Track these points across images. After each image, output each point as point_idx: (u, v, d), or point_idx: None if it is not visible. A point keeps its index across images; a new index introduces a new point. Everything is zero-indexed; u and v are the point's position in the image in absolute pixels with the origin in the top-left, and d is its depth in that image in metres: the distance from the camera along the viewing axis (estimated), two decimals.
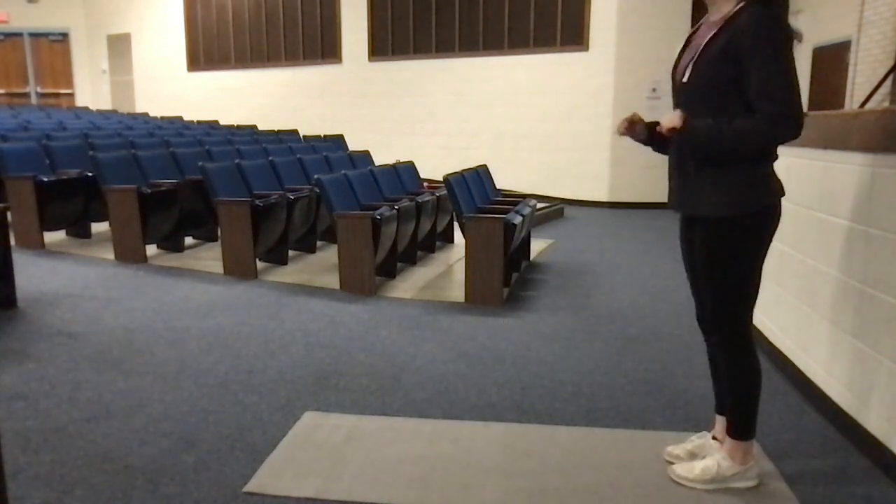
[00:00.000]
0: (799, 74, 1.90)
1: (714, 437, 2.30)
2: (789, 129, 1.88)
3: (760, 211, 2.01)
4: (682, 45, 2.11)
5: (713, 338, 2.23)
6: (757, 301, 2.14)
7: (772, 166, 2.05)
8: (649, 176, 9.25)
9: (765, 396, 2.92)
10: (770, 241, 2.09)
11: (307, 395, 2.89)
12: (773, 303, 3.42)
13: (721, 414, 2.28)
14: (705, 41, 1.96)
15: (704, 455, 2.27)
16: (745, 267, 2.05)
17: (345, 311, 4.16)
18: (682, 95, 2.05)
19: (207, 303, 4.26)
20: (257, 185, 5.50)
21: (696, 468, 2.19)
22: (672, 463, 2.31)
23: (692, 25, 2.05)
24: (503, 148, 10.15)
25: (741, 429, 2.14)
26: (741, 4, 1.92)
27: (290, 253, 5.48)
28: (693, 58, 1.99)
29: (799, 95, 1.87)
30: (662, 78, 8.94)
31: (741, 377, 2.12)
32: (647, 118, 2.18)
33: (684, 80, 2.02)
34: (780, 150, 2.09)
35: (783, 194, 2.08)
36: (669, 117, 1.99)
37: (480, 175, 5.79)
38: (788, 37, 1.90)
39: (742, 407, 2.13)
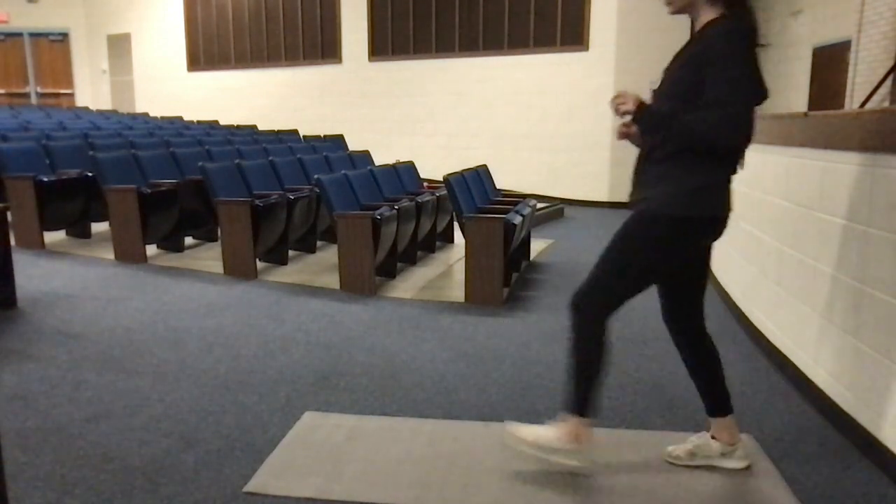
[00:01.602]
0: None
1: (713, 437, 2.30)
2: (731, 134, 1.89)
3: (694, 219, 2.01)
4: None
5: (680, 337, 2.25)
6: (688, 306, 2.20)
7: (724, 179, 2.04)
8: None
9: (765, 396, 2.94)
10: (687, 254, 2.10)
11: (307, 395, 2.89)
12: (773, 303, 3.42)
13: (712, 416, 2.29)
14: (680, 50, 2.02)
15: (705, 456, 2.28)
16: (643, 266, 2.07)
17: (345, 311, 4.16)
18: (657, 99, 2.07)
19: (207, 303, 4.26)
20: (257, 185, 5.50)
21: (531, 431, 2.21)
22: (672, 464, 2.31)
23: (692, 26, 2.08)
24: (503, 148, 10.15)
25: (574, 403, 2.15)
26: (715, 17, 1.95)
27: (290, 253, 5.48)
28: (667, 67, 2.05)
29: (748, 107, 1.89)
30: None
31: (583, 360, 2.12)
32: None
33: (655, 86, 2.06)
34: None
35: (727, 211, 2.07)
36: (621, 99, 1.99)
37: (480, 175, 5.79)
38: (752, 51, 1.91)
39: (580, 385, 2.14)
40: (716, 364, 2.26)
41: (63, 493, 2.11)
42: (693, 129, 1.92)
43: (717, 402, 2.28)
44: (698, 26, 2.02)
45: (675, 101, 1.98)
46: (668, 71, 2.05)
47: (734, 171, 2.06)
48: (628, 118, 2.01)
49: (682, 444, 2.34)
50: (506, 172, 9.07)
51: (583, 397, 2.14)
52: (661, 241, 2.04)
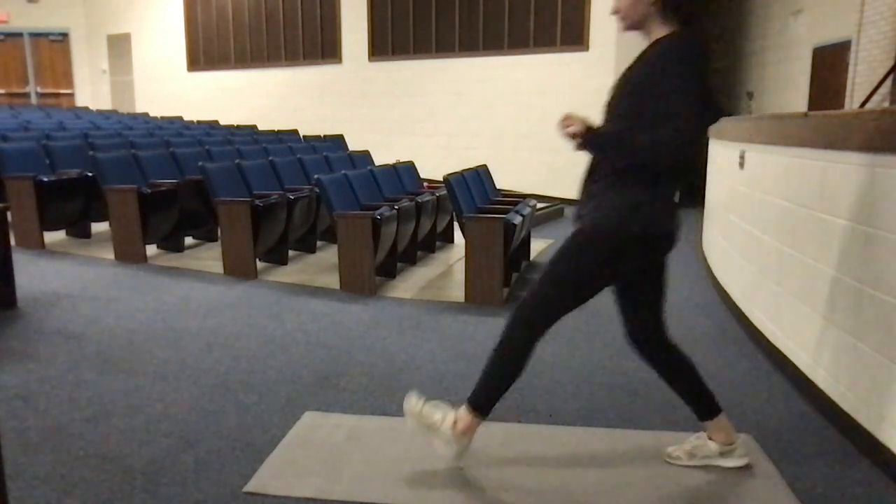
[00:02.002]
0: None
1: (710, 438, 2.30)
2: (676, 151, 1.88)
3: (631, 236, 2.01)
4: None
5: (647, 353, 2.25)
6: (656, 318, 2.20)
7: (665, 197, 2.03)
8: None
9: (765, 396, 2.94)
10: (627, 270, 2.10)
11: (307, 395, 2.89)
12: (773, 303, 3.42)
13: (703, 420, 2.29)
14: (630, 65, 2.02)
15: (704, 456, 2.28)
16: (583, 282, 2.09)
17: (345, 311, 4.16)
18: (604, 114, 2.07)
19: (207, 303, 4.26)
20: (257, 185, 5.50)
21: (420, 404, 2.23)
22: (672, 464, 2.31)
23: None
24: (503, 148, 10.15)
25: (476, 397, 2.18)
26: (664, 34, 1.95)
27: (290, 253, 5.48)
28: (616, 83, 2.04)
29: (696, 125, 1.90)
30: None
31: (505, 359, 2.15)
32: None
33: (607, 101, 2.06)
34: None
35: (666, 229, 2.06)
36: (569, 121, 2.00)
37: (480, 175, 5.79)
38: (702, 69, 1.92)
39: (491, 384, 2.17)
40: (690, 371, 2.26)
41: (63, 493, 2.11)
42: (639, 147, 1.91)
43: (702, 406, 2.27)
44: (650, 42, 2.01)
45: (624, 118, 1.98)
46: (618, 87, 2.04)
47: (676, 190, 2.06)
48: (577, 141, 2.01)
49: (681, 445, 2.34)
50: (506, 172, 9.06)
51: (490, 399, 2.18)
52: (598, 257, 2.05)
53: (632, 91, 1.96)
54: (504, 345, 2.16)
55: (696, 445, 2.31)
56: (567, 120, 2.00)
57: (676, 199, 2.08)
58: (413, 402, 2.26)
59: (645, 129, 1.89)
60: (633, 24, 2.01)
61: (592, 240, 2.04)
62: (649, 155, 1.91)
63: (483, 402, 2.19)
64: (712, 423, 2.27)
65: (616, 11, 2.01)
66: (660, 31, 1.97)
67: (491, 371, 2.18)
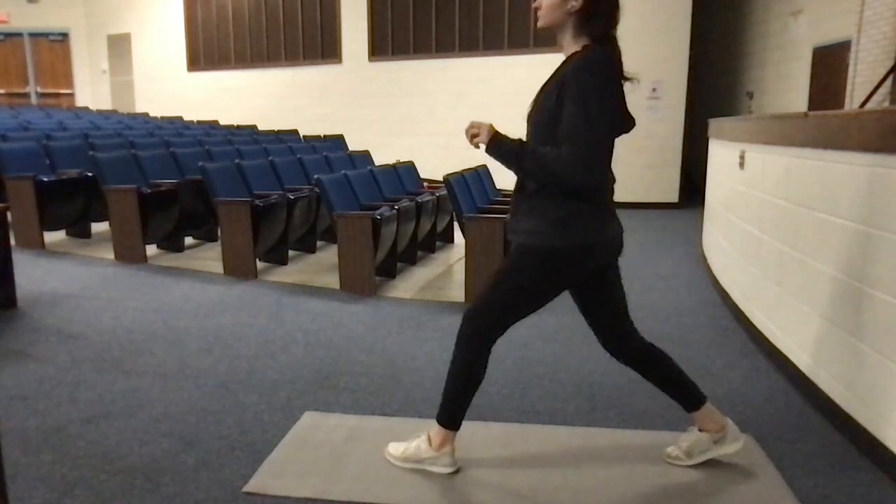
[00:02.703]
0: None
1: (700, 430, 2.30)
2: (581, 172, 1.88)
3: (565, 249, 2.01)
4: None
5: (623, 357, 2.26)
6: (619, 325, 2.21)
7: (592, 207, 2.03)
8: (649, 176, 9.26)
9: (765, 396, 2.94)
10: (568, 280, 2.11)
11: (307, 395, 2.89)
12: (773, 303, 3.42)
13: (690, 412, 2.29)
14: (548, 79, 2.02)
15: (701, 451, 2.29)
16: (528, 295, 2.10)
17: (345, 311, 4.16)
18: (527, 127, 2.08)
19: (207, 303, 4.26)
20: (257, 185, 5.50)
21: (401, 447, 2.30)
22: (672, 464, 2.32)
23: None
24: None
25: (444, 415, 2.21)
26: (579, 49, 1.96)
27: (290, 253, 5.48)
28: (536, 95, 2.05)
29: (601, 144, 1.91)
30: (662, 78, 8.95)
31: (462, 370, 2.16)
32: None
33: (528, 112, 2.07)
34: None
35: (601, 236, 2.06)
36: (476, 129, 2.02)
37: (480, 175, 5.79)
38: (612, 85, 1.92)
39: (454, 396, 2.19)
40: (666, 365, 2.27)
41: (63, 493, 2.11)
42: (546, 165, 1.92)
43: (686, 397, 2.28)
44: (565, 56, 2.03)
45: (538, 130, 1.99)
46: (535, 101, 2.05)
47: (603, 198, 2.06)
48: (482, 147, 2.03)
49: (677, 445, 2.34)
50: (506, 172, 9.05)
51: (454, 410, 2.21)
52: (538, 272, 2.05)
53: (548, 102, 1.96)
54: (458, 358, 2.17)
55: (691, 443, 2.31)
56: (474, 127, 2.02)
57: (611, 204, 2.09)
58: (391, 449, 2.33)
59: (553, 144, 1.91)
60: (548, 24, 2.02)
61: (530, 256, 2.04)
62: (557, 173, 1.91)
63: (451, 417, 2.22)
64: (700, 413, 2.28)
65: (537, 7, 2.03)
66: (573, 43, 1.99)
67: (451, 385, 2.19)
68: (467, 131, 2.04)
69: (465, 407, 2.21)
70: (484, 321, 2.13)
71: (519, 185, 2.10)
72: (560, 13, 1.98)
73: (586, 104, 1.86)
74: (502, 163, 2.06)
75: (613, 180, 2.12)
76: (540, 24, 2.05)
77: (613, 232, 2.10)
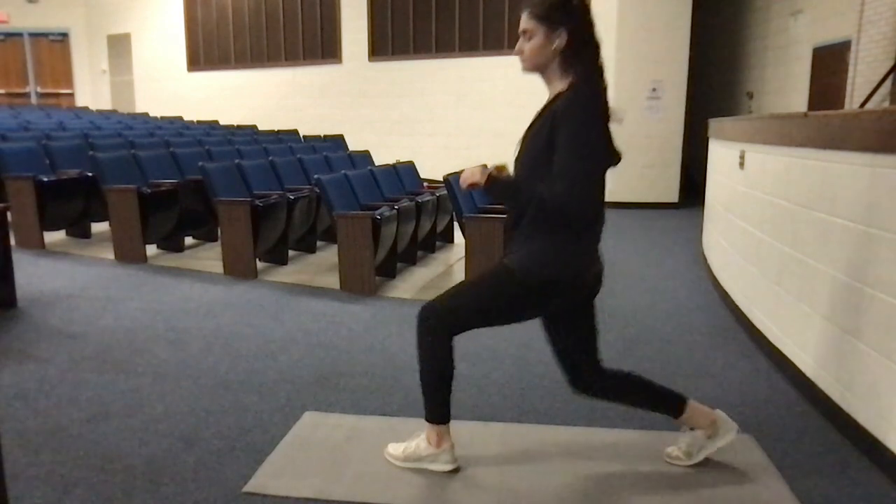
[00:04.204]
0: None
1: (692, 428, 2.30)
2: (576, 207, 1.90)
3: (545, 281, 2.02)
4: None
5: (591, 392, 2.27)
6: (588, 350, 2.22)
7: (582, 244, 2.05)
8: (649, 176, 9.26)
9: (765, 396, 2.94)
10: (544, 310, 2.14)
11: (307, 395, 2.89)
12: (773, 303, 3.42)
13: (677, 417, 2.29)
14: (534, 119, 2.04)
15: (699, 449, 2.30)
16: (493, 310, 2.11)
17: (345, 311, 4.16)
18: (515, 166, 2.09)
19: (207, 303, 4.26)
20: (257, 185, 5.50)
21: (401, 447, 2.30)
22: (672, 464, 2.32)
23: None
24: (503, 148, 10.11)
25: (430, 413, 2.22)
26: (566, 86, 1.97)
27: (290, 253, 5.48)
28: (523, 136, 2.07)
29: (594, 179, 1.93)
30: (662, 78, 8.95)
31: (429, 368, 2.17)
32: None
33: (515, 154, 2.09)
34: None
35: (583, 276, 2.08)
36: (469, 173, 2.03)
37: None
38: (600, 120, 1.94)
39: (431, 393, 2.20)
40: (640, 382, 2.29)
41: (63, 493, 2.11)
42: (542, 200, 1.93)
43: (667, 404, 2.29)
44: (551, 93, 2.04)
45: (530, 169, 2.00)
46: (525, 139, 2.06)
47: (595, 237, 2.09)
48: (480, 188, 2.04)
49: (676, 445, 2.35)
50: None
51: (436, 406, 2.21)
52: (517, 296, 2.07)
53: (538, 140, 1.97)
54: (421, 357, 2.18)
55: (689, 443, 2.32)
56: (467, 173, 2.04)
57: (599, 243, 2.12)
58: (391, 449, 2.33)
59: (546, 181, 1.92)
60: (533, 67, 2.04)
61: (512, 277, 2.05)
62: (553, 208, 1.92)
63: (437, 413, 2.22)
64: (686, 415, 2.27)
65: (519, 52, 2.05)
66: (559, 81, 2.00)
67: (425, 383, 2.20)
68: (464, 183, 2.06)
69: (447, 399, 2.22)
70: (442, 322, 2.14)
71: (511, 222, 2.12)
72: (546, 54, 1.99)
73: (579, 143, 1.88)
74: (500, 200, 2.11)
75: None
76: (524, 69, 2.07)
77: (598, 268, 2.13)
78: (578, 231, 2.00)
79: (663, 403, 2.29)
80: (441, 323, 2.13)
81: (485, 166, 2.03)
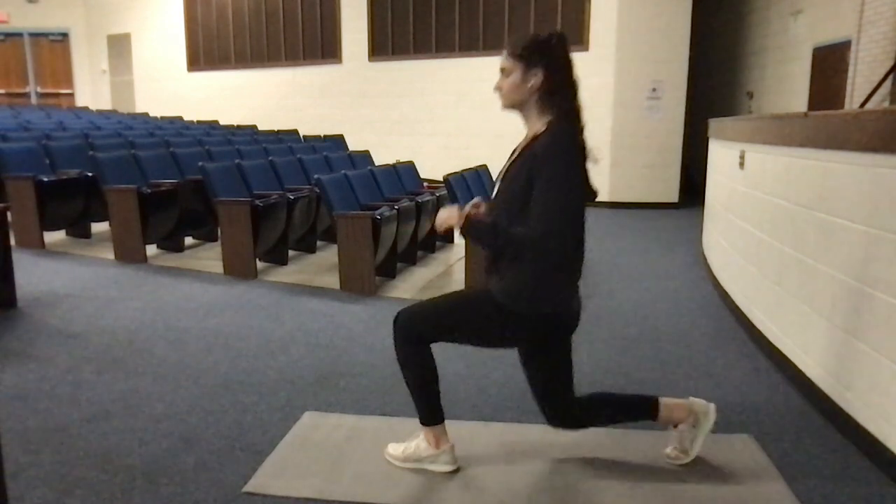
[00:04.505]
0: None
1: (675, 425, 2.31)
2: (554, 247, 1.92)
3: (523, 315, 2.05)
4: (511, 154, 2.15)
5: (569, 424, 2.32)
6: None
7: (560, 281, 2.06)
8: (649, 176, 9.26)
9: (765, 396, 2.94)
10: (521, 342, 2.19)
11: (307, 395, 2.89)
12: (773, 303, 3.42)
13: (656, 419, 2.29)
14: (511, 160, 2.07)
15: (691, 441, 2.31)
16: (468, 330, 2.15)
17: (345, 311, 4.16)
18: (494, 207, 2.11)
19: (207, 303, 4.26)
20: (257, 185, 5.50)
21: (401, 447, 2.31)
22: (674, 464, 2.32)
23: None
24: (503, 148, 10.10)
25: (422, 416, 2.24)
26: (543, 126, 2.00)
27: (290, 253, 5.48)
28: (502, 174, 2.09)
29: (567, 225, 1.93)
30: (662, 78, 8.95)
31: (410, 373, 2.20)
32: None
33: (493, 194, 2.11)
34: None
35: (564, 309, 2.10)
36: (445, 215, 2.05)
37: (480, 175, 5.80)
38: (577, 159, 1.96)
39: (419, 396, 2.23)
40: (605, 399, 2.34)
41: (63, 493, 2.11)
42: (520, 241, 1.95)
43: (642, 409, 2.31)
44: (529, 132, 2.07)
45: (508, 210, 2.02)
46: (504, 179, 2.08)
47: (575, 274, 2.10)
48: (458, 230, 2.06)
49: (672, 445, 2.35)
50: None
51: (426, 408, 2.23)
52: (496, 325, 2.09)
53: (517, 182, 1.99)
54: (404, 364, 2.21)
55: (679, 439, 2.33)
56: (442, 217, 2.06)
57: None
58: (391, 449, 2.34)
59: (524, 222, 1.94)
60: (510, 105, 2.07)
61: (491, 306, 2.07)
62: (531, 248, 1.95)
63: (430, 415, 2.24)
64: (664, 414, 2.28)
65: (498, 89, 2.07)
66: (537, 120, 2.03)
67: (411, 387, 2.23)
68: (440, 227, 2.08)
69: (436, 400, 2.23)
70: (412, 327, 2.16)
71: (488, 263, 2.13)
72: (522, 92, 2.02)
73: (557, 185, 1.90)
74: (477, 242, 2.14)
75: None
76: (503, 105, 2.09)
77: (577, 306, 2.15)
78: (560, 268, 2.03)
79: (637, 410, 2.32)
80: (414, 329, 2.16)
81: (461, 208, 2.06)
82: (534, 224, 1.91)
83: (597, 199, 2.09)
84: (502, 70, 2.05)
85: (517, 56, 2.00)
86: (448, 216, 2.04)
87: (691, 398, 2.33)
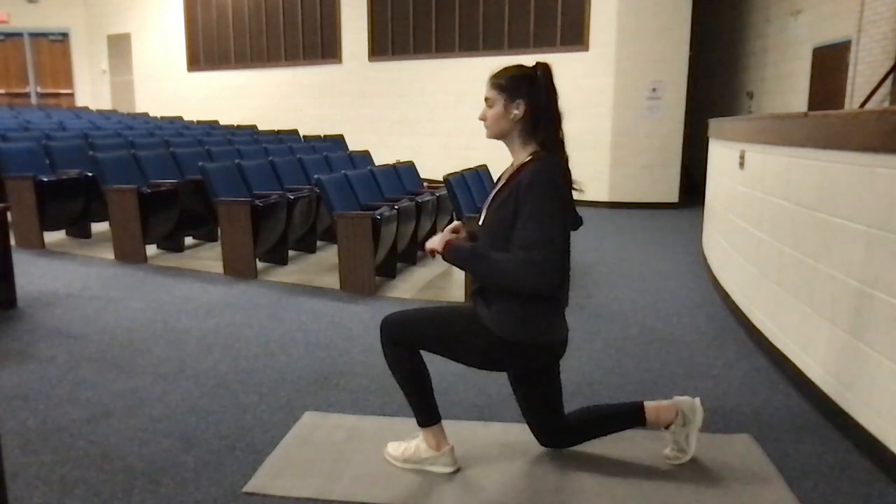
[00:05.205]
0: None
1: (667, 427, 2.32)
2: (537, 278, 1.93)
3: (509, 342, 2.05)
4: (497, 181, 2.18)
5: (564, 444, 2.37)
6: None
7: (546, 310, 2.07)
8: (649, 176, 9.26)
9: (765, 396, 2.94)
10: (508, 367, 2.21)
11: (307, 395, 2.89)
12: (773, 303, 3.42)
13: (644, 425, 2.31)
14: (497, 189, 2.09)
15: (685, 439, 2.32)
16: (454, 348, 2.16)
17: (345, 311, 4.16)
18: (481, 234, 2.13)
19: (207, 303, 4.26)
20: (257, 185, 5.50)
21: (401, 447, 2.31)
22: (674, 464, 2.32)
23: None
24: (503, 148, 10.12)
25: (418, 417, 2.25)
26: (527, 156, 2.03)
27: (290, 253, 5.48)
28: (487, 203, 2.12)
29: (553, 251, 1.93)
30: (662, 78, 8.95)
31: (401, 375, 2.22)
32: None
33: (480, 223, 2.13)
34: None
35: (550, 337, 2.11)
36: (435, 240, 2.10)
37: (480, 175, 5.79)
38: (562, 189, 1.98)
39: (413, 398, 2.24)
40: (591, 413, 2.35)
41: (63, 493, 2.11)
42: (502, 272, 1.96)
43: (629, 417, 2.32)
44: (514, 162, 2.09)
45: (492, 239, 2.03)
46: (488, 209, 2.09)
47: (561, 301, 2.11)
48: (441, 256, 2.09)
49: (668, 445, 2.36)
50: None
51: (421, 410, 2.24)
52: (484, 350, 2.10)
53: (502, 211, 2.00)
54: (393, 368, 2.23)
55: (674, 440, 2.33)
56: (428, 245, 2.11)
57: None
58: (391, 450, 2.34)
59: (509, 250, 1.95)
60: (494, 135, 2.10)
61: (478, 328, 2.08)
62: (513, 279, 1.95)
63: (426, 416, 2.25)
64: (652, 418, 2.29)
65: (482, 119, 2.09)
66: (521, 150, 2.06)
67: (404, 390, 2.24)
68: (427, 250, 2.13)
69: (430, 401, 2.24)
70: (397, 333, 2.19)
71: (476, 287, 2.14)
72: (505, 123, 2.05)
73: (541, 216, 1.91)
74: (459, 267, 2.16)
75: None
76: (487, 135, 2.12)
77: (564, 334, 2.16)
78: (545, 297, 2.03)
79: (625, 418, 2.33)
80: (399, 334, 2.19)
81: (442, 235, 2.10)
82: (515, 252, 1.93)
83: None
84: (486, 100, 2.08)
85: (500, 87, 2.04)
86: (435, 241, 2.09)
87: (676, 397, 2.35)
